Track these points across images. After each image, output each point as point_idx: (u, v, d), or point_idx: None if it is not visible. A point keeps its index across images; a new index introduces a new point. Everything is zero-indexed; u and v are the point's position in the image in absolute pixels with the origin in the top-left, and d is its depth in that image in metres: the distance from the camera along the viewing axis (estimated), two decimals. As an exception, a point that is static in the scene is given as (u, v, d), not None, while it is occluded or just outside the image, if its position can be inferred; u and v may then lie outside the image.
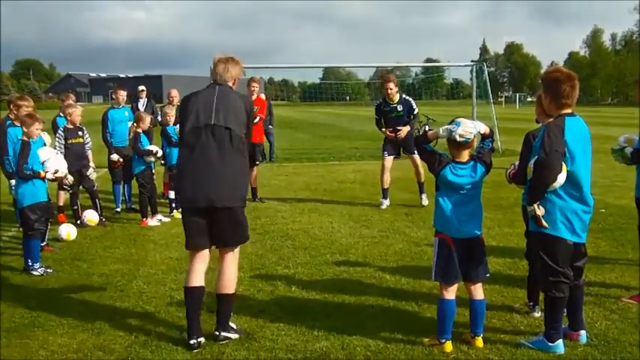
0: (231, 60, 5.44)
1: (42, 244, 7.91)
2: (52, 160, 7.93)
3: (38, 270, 7.39)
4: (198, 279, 5.24)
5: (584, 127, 4.94)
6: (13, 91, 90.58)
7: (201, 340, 5.19)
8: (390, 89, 11.13)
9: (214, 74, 5.43)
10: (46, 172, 7.76)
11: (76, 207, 10.16)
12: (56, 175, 7.99)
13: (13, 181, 8.39)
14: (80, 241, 9.03)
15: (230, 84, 5.39)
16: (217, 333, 5.24)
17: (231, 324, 5.40)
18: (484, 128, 5.08)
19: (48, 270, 7.46)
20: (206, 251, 5.30)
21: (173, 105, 12.05)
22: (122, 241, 9.06)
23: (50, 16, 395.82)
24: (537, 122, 5.61)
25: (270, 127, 19.46)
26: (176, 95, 12.75)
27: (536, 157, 4.74)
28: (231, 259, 5.31)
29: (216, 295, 5.33)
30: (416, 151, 11.12)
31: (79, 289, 6.79)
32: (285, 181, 15.17)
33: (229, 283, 5.30)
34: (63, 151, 9.52)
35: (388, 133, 11.26)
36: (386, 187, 11.48)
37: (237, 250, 5.36)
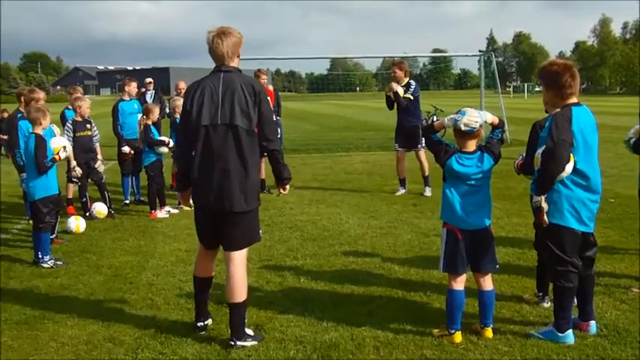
0: (223, 34, 4.95)
1: (51, 237, 7.94)
2: (55, 139, 7.97)
3: (48, 262, 7.42)
4: (205, 270, 5.28)
5: (591, 117, 4.92)
6: (21, 84, 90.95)
7: (208, 322, 5.34)
8: (394, 73, 11.69)
9: (214, 58, 5.01)
10: (59, 156, 7.80)
11: (84, 199, 10.20)
12: (67, 151, 8.02)
13: (24, 174, 8.39)
14: (89, 233, 9.07)
15: (234, 64, 5.01)
16: (232, 343, 5.01)
17: (248, 330, 5.16)
18: (491, 118, 5.04)
19: (58, 262, 7.49)
20: (213, 247, 5.24)
21: (182, 97, 12.06)
22: (131, 234, 9.09)
23: (56, 8, 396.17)
24: (547, 112, 5.58)
25: (278, 118, 19.43)
26: (184, 87, 12.76)
27: (544, 147, 4.72)
28: (236, 263, 5.02)
29: (227, 303, 5.17)
30: (420, 146, 11.44)
31: (88, 281, 6.82)
32: (292, 172, 15.10)
33: (236, 291, 5.02)
34: (72, 143, 9.54)
35: (391, 88, 11.59)
36: (401, 177, 11.98)
37: (242, 252, 5.07)
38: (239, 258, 5.04)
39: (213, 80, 4.96)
